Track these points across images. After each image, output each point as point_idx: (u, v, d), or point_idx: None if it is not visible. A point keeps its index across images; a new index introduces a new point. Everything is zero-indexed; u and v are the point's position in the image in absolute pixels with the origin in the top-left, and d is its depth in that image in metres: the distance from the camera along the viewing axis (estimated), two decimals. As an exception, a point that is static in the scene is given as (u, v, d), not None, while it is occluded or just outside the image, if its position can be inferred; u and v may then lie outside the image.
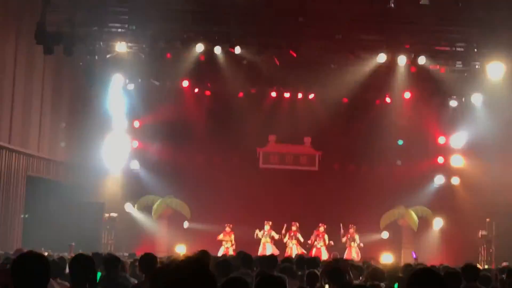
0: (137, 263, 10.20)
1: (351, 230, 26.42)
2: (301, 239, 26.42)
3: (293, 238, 26.37)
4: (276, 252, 23.62)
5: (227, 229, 26.18)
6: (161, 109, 27.14)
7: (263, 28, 23.48)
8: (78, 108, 26.52)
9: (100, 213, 25.71)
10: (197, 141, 27.94)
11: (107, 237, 25.91)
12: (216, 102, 28.15)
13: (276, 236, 26.34)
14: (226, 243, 25.96)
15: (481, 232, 25.80)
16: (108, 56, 24.51)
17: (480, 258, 25.29)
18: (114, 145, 27.42)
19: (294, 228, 26.42)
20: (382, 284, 9.45)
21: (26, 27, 22.40)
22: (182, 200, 27.90)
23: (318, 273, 9.27)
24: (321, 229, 26.46)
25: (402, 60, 23.99)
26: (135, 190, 27.67)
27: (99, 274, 7.82)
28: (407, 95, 27.12)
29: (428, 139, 28.78)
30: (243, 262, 10.43)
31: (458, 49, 24.05)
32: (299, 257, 13.15)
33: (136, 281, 9.04)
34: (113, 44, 23.79)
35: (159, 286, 3.59)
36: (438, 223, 27.97)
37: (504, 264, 14.75)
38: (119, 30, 23.76)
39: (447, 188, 28.31)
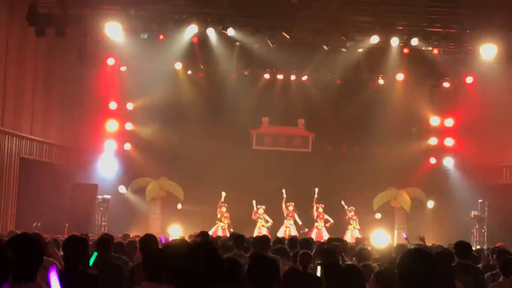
0: (136, 244, 10.24)
1: (351, 213, 26.61)
2: (299, 221, 26.51)
3: (291, 218, 26.48)
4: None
5: (223, 208, 26.34)
6: (154, 91, 27.08)
7: (256, 9, 23.40)
8: (70, 90, 26.43)
9: (93, 195, 25.71)
10: (190, 123, 27.91)
11: (101, 219, 25.92)
12: (209, 84, 28.08)
13: (270, 221, 26.45)
14: (222, 223, 26.14)
15: (473, 213, 25.92)
16: (100, 38, 24.39)
17: (472, 239, 25.42)
18: (107, 127, 27.40)
19: (291, 208, 26.50)
20: (375, 265, 9.53)
21: (18, 9, 22.26)
22: (175, 182, 27.93)
23: (312, 254, 9.32)
24: (320, 209, 26.57)
25: (395, 41, 23.99)
26: (129, 172, 27.68)
27: (95, 254, 7.86)
28: (400, 76, 27.12)
29: (421, 120, 28.83)
30: (236, 243, 10.48)
31: (451, 30, 24.02)
32: (292, 238, 13.20)
33: (129, 262, 9.09)
34: (105, 26, 23.66)
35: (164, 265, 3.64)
36: (430, 204, 28.11)
37: (499, 244, 14.83)
38: (112, 11, 23.63)
39: (440, 169, 28.42)
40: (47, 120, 25.29)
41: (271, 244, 11.53)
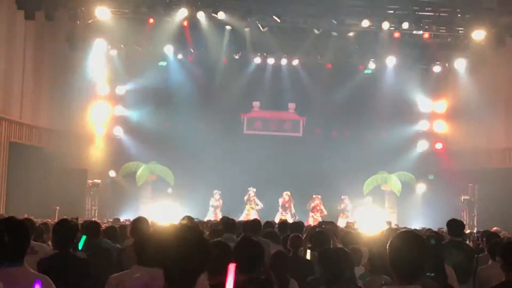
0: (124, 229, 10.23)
1: (345, 201, 26.75)
2: (293, 210, 26.54)
3: (287, 209, 26.50)
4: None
5: (217, 196, 26.41)
6: (144, 75, 26.98)
7: (246, -7, 23.33)
8: (60, 74, 26.23)
9: (83, 179, 25.64)
10: (181, 107, 27.85)
11: (91, 204, 25.88)
12: (199, 68, 28.01)
13: (260, 204, 26.48)
14: (217, 209, 26.23)
15: (463, 197, 26.01)
16: (90, 21, 24.25)
17: (462, 223, 25.50)
18: (97, 111, 27.31)
19: (286, 198, 26.54)
20: (364, 248, 9.53)
21: (6, -8, 22.09)
22: (166, 166, 27.90)
23: (302, 237, 9.32)
24: (317, 201, 26.63)
25: (385, 25, 23.93)
26: (119, 157, 27.63)
27: (83, 238, 7.82)
28: (391, 60, 27.07)
29: (411, 104, 28.83)
30: (226, 226, 10.47)
31: (442, 14, 23.99)
32: (282, 221, 13.20)
33: (119, 246, 9.06)
34: (95, 9, 23.50)
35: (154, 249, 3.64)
36: (420, 188, 28.18)
37: (495, 229, 14.83)
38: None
39: (430, 153, 28.48)
40: (36, 104, 25.14)
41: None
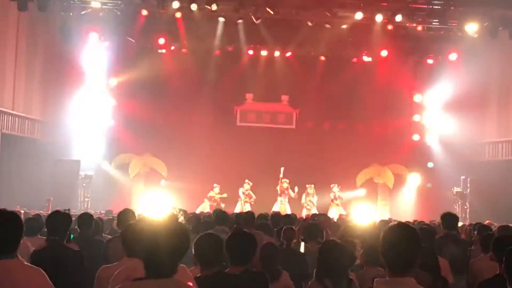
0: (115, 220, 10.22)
1: (333, 189, 26.75)
2: (292, 194, 26.52)
3: (286, 195, 26.54)
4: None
5: (217, 189, 26.42)
6: (138, 67, 26.92)
7: (240, -16, 23.28)
8: (53, 65, 26.18)
9: (76, 171, 25.57)
10: (174, 99, 27.82)
11: (83, 195, 25.83)
12: (193, 60, 27.90)
13: (253, 197, 26.48)
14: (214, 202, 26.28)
15: (456, 189, 26.07)
16: (83, 12, 24.18)
17: (454, 215, 25.57)
18: (90, 103, 27.24)
19: (285, 185, 26.54)
20: (357, 241, 9.56)
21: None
22: (159, 158, 27.87)
23: (295, 229, 9.33)
24: (310, 190, 26.62)
25: (379, 18, 23.94)
26: (112, 148, 27.56)
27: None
28: (384, 53, 27.08)
29: (404, 97, 28.85)
30: (218, 219, 10.48)
31: (435, 7, 24.00)
32: (275, 214, 13.21)
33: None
34: (88, 0, 23.42)
35: (135, 240, 3.65)
36: (413, 180, 28.22)
37: (488, 222, 14.89)
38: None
39: (423, 145, 28.52)
40: (29, 96, 25.08)
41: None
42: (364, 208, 26.09)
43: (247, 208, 24.94)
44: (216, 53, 27.54)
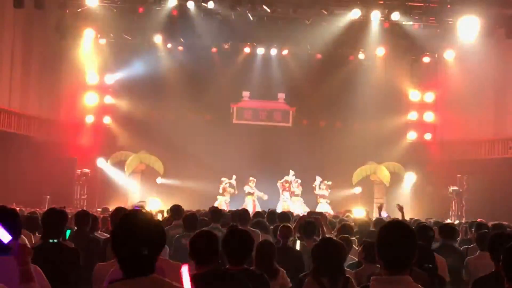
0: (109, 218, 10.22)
1: (315, 182, 26.91)
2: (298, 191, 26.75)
3: (288, 191, 26.69)
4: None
5: (226, 184, 26.53)
6: (134, 64, 26.89)
7: (236, -18, 23.24)
8: (49, 63, 26.15)
9: (72, 168, 25.57)
10: (170, 97, 27.78)
11: (80, 193, 25.82)
12: (189, 58, 27.86)
13: (259, 194, 26.58)
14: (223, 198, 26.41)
15: (452, 187, 26.09)
16: (79, 10, 24.13)
17: (450, 213, 25.63)
18: (86, 100, 27.21)
19: (287, 184, 26.61)
20: (353, 238, 9.58)
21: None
22: (155, 156, 27.85)
23: (291, 227, 9.32)
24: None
25: (375, 16, 23.94)
26: (108, 146, 27.55)
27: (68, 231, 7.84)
28: (381, 51, 27.09)
29: (401, 95, 28.86)
30: (213, 217, 10.48)
31: (432, 5, 24.01)
32: (271, 211, 13.19)
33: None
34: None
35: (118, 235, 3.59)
36: (409, 178, 28.24)
37: (479, 220, 14.92)
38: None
39: (419, 144, 28.54)
40: (25, 93, 25.04)
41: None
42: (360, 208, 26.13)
43: (252, 204, 25.20)
44: (212, 50, 27.53)
